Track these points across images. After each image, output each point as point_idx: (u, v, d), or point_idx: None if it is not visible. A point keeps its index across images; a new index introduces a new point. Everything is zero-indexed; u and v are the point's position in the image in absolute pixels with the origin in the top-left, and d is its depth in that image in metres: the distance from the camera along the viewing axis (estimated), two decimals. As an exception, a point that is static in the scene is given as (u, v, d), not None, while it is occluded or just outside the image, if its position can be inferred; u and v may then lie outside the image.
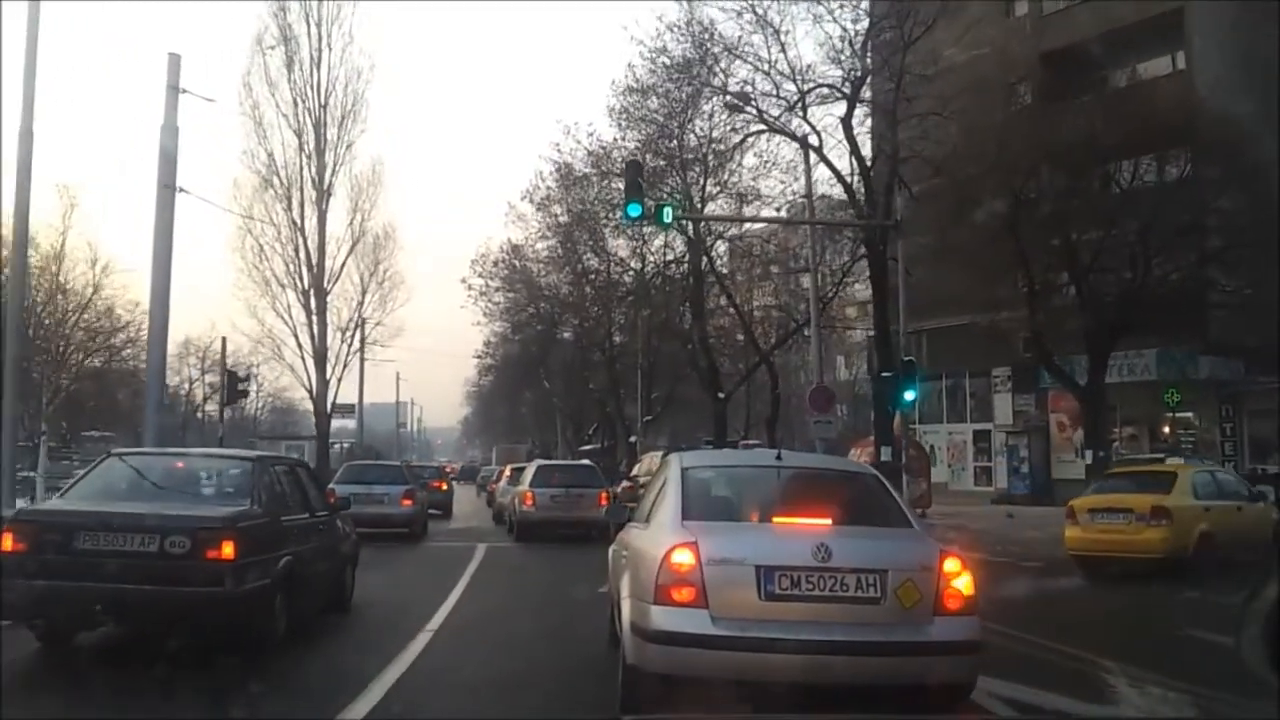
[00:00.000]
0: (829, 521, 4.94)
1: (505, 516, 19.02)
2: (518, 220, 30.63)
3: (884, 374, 18.23)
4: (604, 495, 16.55)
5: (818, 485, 5.71)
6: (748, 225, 27.54)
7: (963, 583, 4.60)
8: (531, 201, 29.25)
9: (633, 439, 33.95)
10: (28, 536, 5.94)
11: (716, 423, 26.91)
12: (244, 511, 6.36)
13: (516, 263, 34.02)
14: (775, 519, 5.05)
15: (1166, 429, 23.45)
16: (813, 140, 20.26)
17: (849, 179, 20.53)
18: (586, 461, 23.00)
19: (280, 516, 6.84)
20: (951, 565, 4.62)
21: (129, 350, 46.42)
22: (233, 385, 26.75)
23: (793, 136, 20.61)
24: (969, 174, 18.54)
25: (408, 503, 16.15)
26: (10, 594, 5.81)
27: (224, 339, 30.19)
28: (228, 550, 5.87)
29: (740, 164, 23.88)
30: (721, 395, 26.81)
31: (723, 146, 23.27)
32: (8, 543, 5.94)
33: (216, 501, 6.59)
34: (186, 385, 60.95)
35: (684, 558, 4.46)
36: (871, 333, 28.96)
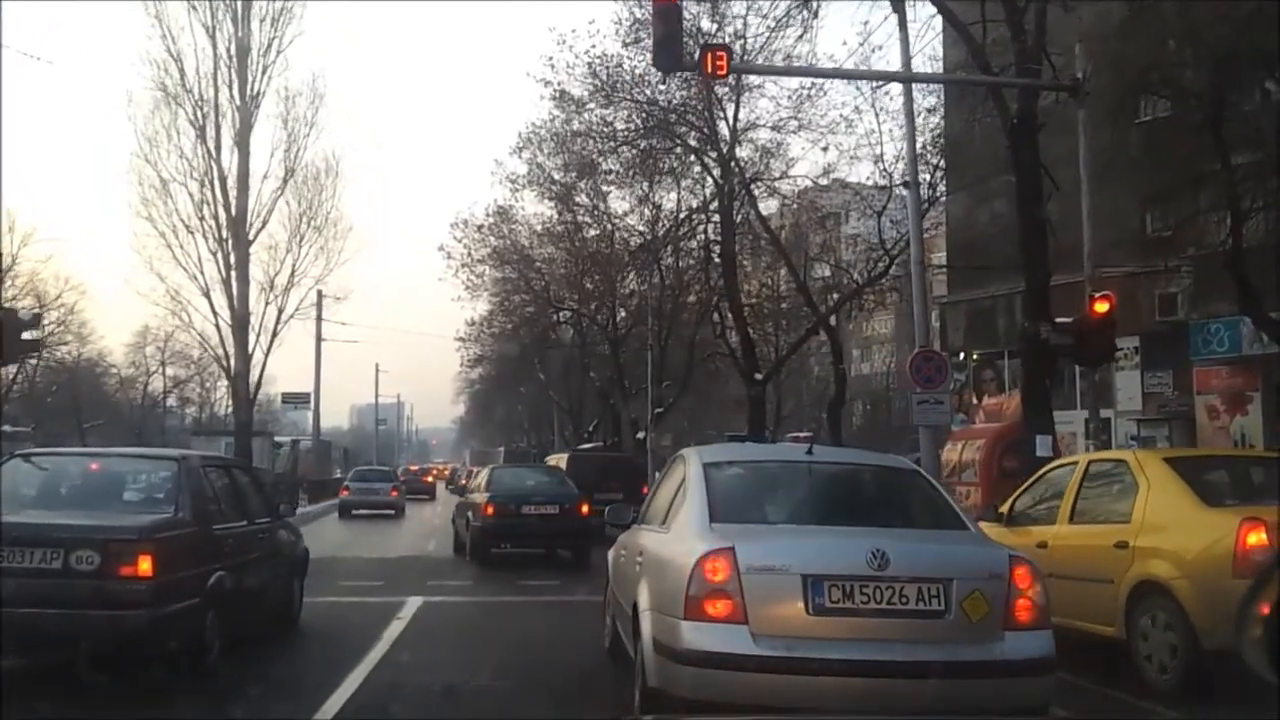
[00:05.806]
0: (878, 524, 5.27)
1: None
2: (506, 180, 30.34)
3: (1059, 321, 13.93)
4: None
5: (858, 483, 6.12)
6: (790, 167, 26.64)
7: (1036, 592, 4.84)
8: (520, 156, 28.99)
9: (640, 434, 34.69)
10: None
11: (753, 411, 26.49)
12: (166, 520, 6.50)
13: (505, 227, 33.95)
14: (816, 521, 5.42)
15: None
16: None
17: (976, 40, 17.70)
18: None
19: (212, 525, 6.98)
20: (1025, 572, 4.86)
21: (68, 339, 47.30)
22: (14, 332, 19.51)
23: None
24: (1147, 42, 14.87)
25: (394, 493, 32.44)
26: None
27: None
28: (145, 566, 6.01)
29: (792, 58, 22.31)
30: (759, 377, 26.48)
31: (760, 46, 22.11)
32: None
33: (135, 509, 6.74)
34: (145, 377, 61.71)
35: (719, 565, 4.73)
36: (943, 299, 29.15)
